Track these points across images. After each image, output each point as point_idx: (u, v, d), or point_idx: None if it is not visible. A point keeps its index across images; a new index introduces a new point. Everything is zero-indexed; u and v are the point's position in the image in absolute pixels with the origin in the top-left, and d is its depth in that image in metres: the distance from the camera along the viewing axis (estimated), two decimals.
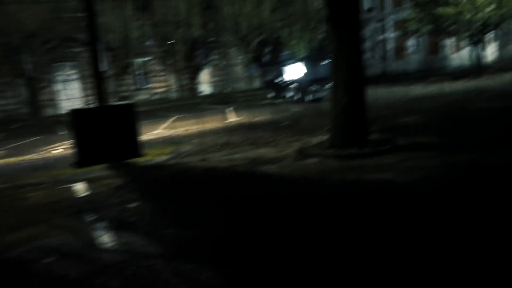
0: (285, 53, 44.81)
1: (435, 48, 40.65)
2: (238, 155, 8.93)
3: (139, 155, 10.14)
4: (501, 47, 42.85)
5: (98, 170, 9.01)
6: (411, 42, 41.93)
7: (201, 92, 42.62)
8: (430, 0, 24.45)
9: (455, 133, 8.97)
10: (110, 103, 10.29)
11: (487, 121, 10.00)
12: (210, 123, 16.44)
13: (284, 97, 25.70)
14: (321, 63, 22.06)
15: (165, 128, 16.42)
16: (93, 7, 9.65)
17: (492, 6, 22.05)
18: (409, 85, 24.86)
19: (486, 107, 12.42)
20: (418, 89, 21.33)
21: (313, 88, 21.38)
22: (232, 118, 17.55)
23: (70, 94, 33.12)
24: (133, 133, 10.07)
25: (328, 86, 21.23)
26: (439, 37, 27.86)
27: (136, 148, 10.15)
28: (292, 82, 24.79)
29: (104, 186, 7.40)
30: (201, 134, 13.29)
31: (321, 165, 7.20)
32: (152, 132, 15.35)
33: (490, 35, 29.53)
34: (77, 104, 31.06)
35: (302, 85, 22.18)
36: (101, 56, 9.84)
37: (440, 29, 24.94)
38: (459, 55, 39.63)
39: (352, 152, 7.57)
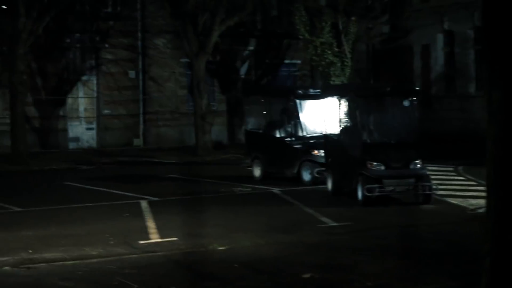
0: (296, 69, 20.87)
1: None
2: None
3: None
4: None
5: None
6: None
7: (75, 141, 19.64)
8: None
9: None
10: None
11: None
12: (92, 246, 6.82)
13: (294, 177, 11.43)
14: (402, 102, 9.62)
15: None
16: None
17: None
18: None
19: None
20: None
21: (376, 166, 9.05)
22: (154, 233, 7.60)
23: None
24: None
25: (418, 167, 9.23)
26: None
27: None
28: (322, 141, 10.88)
29: None
30: None
31: None
32: None
33: None
34: None
35: (350, 155, 9.60)
36: None
37: None
38: None
39: None
